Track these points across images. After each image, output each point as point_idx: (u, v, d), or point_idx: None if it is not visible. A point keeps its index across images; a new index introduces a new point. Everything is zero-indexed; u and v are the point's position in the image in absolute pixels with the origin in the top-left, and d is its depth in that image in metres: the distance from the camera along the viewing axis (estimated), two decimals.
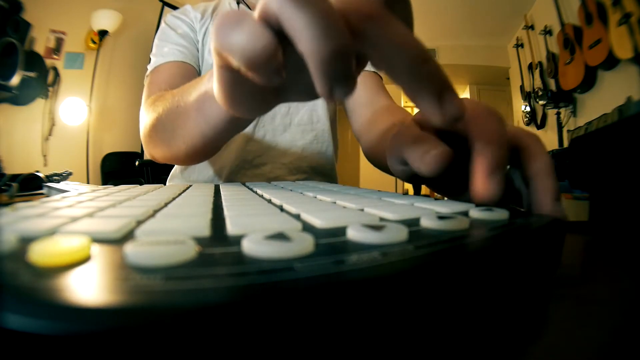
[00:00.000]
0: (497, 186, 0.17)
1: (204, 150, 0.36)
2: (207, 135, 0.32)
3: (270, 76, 0.16)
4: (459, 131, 0.21)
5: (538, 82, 2.51)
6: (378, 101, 0.56)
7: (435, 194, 0.26)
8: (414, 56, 0.16)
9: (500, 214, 0.14)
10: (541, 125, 2.58)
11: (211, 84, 0.26)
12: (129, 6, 2.28)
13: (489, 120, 0.20)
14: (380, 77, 0.61)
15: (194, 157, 0.38)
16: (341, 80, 0.15)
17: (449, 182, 0.23)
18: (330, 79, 0.15)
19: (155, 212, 0.15)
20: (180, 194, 0.22)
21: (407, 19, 0.18)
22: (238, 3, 0.62)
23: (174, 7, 2.12)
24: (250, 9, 0.63)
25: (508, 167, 0.22)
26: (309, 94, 0.22)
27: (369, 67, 0.60)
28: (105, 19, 2.18)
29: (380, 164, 0.51)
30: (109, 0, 2.18)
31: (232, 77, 0.19)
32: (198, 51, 0.58)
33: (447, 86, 0.16)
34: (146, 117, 0.44)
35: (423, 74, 0.16)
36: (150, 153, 0.46)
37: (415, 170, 0.19)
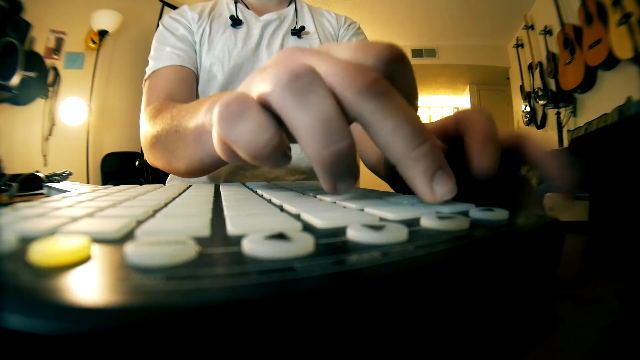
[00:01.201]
0: (492, 156, 0.18)
1: (203, 171, 0.36)
2: (205, 162, 0.32)
3: (277, 162, 0.17)
4: (458, 133, 0.21)
5: (538, 82, 2.51)
6: None
7: None
8: (409, 137, 0.15)
9: (500, 214, 0.14)
10: (541, 125, 2.58)
11: (209, 118, 0.26)
12: (129, 6, 2.28)
13: (478, 116, 0.21)
14: None
15: (193, 175, 0.38)
16: (344, 177, 0.16)
17: None
18: (333, 178, 0.15)
19: (155, 212, 0.15)
20: (180, 194, 0.22)
21: (409, 85, 0.18)
22: (236, 3, 0.62)
23: (174, 7, 2.12)
24: (247, 8, 0.63)
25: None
26: None
27: None
28: (105, 19, 2.18)
29: (379, 174, 0.51)
30: (109, 0, 2.18)
31: (235, 155, 0.19)
32: (196, 53, 0.58)
33: (440, 167, 0.16)
34: (146, 131, 0.44)
35: (417, 156, 0.16)
36: (151, 162, 0.46)
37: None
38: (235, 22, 0.60)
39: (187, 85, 0.56)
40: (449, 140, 0.22)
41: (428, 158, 0.16)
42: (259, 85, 0.16)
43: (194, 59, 0.58)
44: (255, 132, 0.15)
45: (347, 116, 0.16)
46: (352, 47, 0.17)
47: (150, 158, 0.45)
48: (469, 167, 0.19)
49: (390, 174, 0.25)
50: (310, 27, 0.64)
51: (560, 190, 0.21)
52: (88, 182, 2.00)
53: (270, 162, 0.16)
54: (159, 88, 0.52)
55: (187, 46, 0.57)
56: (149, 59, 0.57)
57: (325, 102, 0.14)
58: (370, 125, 0.16)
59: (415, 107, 0.18)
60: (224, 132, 0.16)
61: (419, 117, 0.16)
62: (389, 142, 0.16)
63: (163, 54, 0.56)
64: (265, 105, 0.16)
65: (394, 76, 0.16)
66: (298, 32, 0.62)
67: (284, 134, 0.16)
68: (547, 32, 2.34)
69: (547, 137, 2.48)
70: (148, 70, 0.56)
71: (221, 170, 0.58)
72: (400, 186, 0.25)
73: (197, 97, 0.58)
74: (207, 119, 0.27)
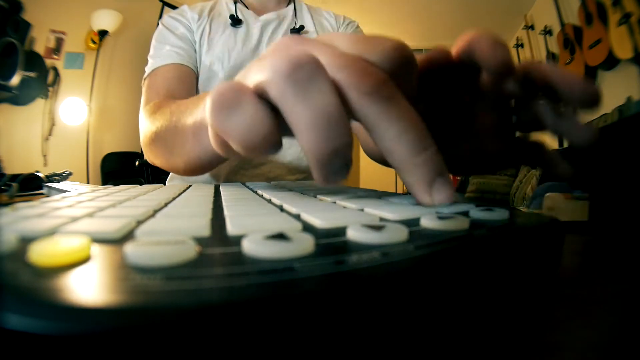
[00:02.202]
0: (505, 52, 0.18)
1: (202, 169, 0.36)
2: (204, 159, 0.32)
3: (268, 153, 0.16)
4: (463, 60, 0.21)
5: None
6: None
7: None
8: (412, 146, 0.15)
9: (500, 214, 0.14)
10: None
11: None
12: (129, 6, 2.28)
13: (493, 43, 0.19)
14: None
15: (192, 172, 0.38)
16: (337, 172, 0.15)
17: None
18: (326, 172, 0.15)
19: (155, 212, 0.15)
20: (180, 194, 0.22)
21: (414, 87, 0.17)
22: (235, 2, 0.62)
23: (174, 7, 2.12)
24: (247, 7, 0.63)
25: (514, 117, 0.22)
26: None
27: None
28: (105, 19, 2.18)
29: (380, 161, 0.51)
30: (109, 0, 2.18)
31: (229, 148, 0.18)
32: (195, 52, 0.58)
33: (440, 174, 0.16)
34: (145, 127, 0.44)
35: (418, 163, 0.15)
36: (150, 160, 0.46)
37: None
38: (235, 21, 0.60)
39: (187, 84, 0.56)
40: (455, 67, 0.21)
41: (429, 165, 0.15)
42: (256, 74, 0.15)
43: (193, 58, 0.58)
44: (250, 125, 0.15)
45: (348, 114, 0.16)
46: (358, 40, 0.16)
47: (149, 155, 0.45)
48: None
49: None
50: (309, 26, 0.64)
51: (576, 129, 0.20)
52: (88, 182, 2.00)
53: (263, 154, 0.16)
54: (159, 86, 0.52)
55: (186, 45, 0.57)
56: (149, 57, 0.57)
57: (327, 96, 0.14)
58: (374, 128, 0.15)
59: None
60: (217, 123, 0.15)
61: (421, 122, 0.16)
62: (391, 147, 0.15)
63: (163, 52, 0.56)
64: (261, 95, 0.15)
65: (400, 77, 0.16)
66: (297, 31, 0.62)
67: (278, 129, 0.15)
68: (547, 32, 2.34)
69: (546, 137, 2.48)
70: (147, 69, 0.56)
71: (221, 170, 0.58)
72: None
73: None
74: (205, 114, 0.26)
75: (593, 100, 0.18)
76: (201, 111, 0.28)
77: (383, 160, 0.48)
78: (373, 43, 0.16)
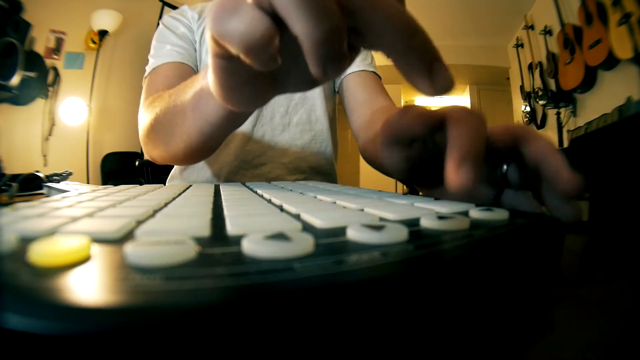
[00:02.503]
0: (468, 175, 0.16)
1: (203, 148, 0.36)
2: (204, 132, 0.32)
3: (267, 61, 0.16)
4: (439, 128, 0.20)
5: (538, 82, 2.51)
6: (377, 102, 0.56)
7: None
8: (404, 29, 0.16)
9: (500, 214, 0.14)
10: (541, 125, 2.58)
11: (206, 80, 0.26)
12: (129, 6, 2.28)
13: (466, 116, 0.19)
14: (380, 78, 0.61)
15: (192, 155, 0.39)
16: (333, 59, 0.16)
17: (428, 175, 0.24)
18: (323, 59, 0.15)
19: (155, 212, 0.15)
20: (180, 194, 0.22)
21: None
22: None
23: (174, 7, 2.12)
24: None
25: (505, 167, 0.22)
26: (304, 84, 0.22)
27: (368, 67, 0.61)
28: (105, 19, 2.18)
29: (375, 162, 0.51)
30: (109, 0, 2.18)
31: (228, 66, 0.19)
32: (196, 51, 0.58)
33: (437, 57, 0.17)
34: (144, 119, 0.44)
35: (413, 46, 0.16)
36: (149, 154, 0.46)
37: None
38: None
39: None
40: (437, 136, 0.21)
41: (424, 47, 0.16)
42: None
43: (193, 57, 0.58)
44: (250, 22, 0.15)
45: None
46: None
47: (148, 148, 0.45)
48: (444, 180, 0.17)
49: (390, 164, 0.25)
50: None
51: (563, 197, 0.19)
52: (88, 182, 2.00)
53: (261, 58, 0.16)
54: (159, 84, 0.52)
55: (187, 44, 0.58)
56: (149, 57, 0.57)
57: None
58: (365, 19, 0.16)
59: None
60: (218, 29, 0.16)
61: (410, 15, 0.16)
62: (385, 35, 0.16)
63: (163, 51, 0.56)
64: (259, 5, 0.16)
65: None
66: None
67: (277, 35, 0.16)
68: (547, 32, 2.34)
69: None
70: (148, 68, 0.56)
71: (221, 170, 0.58)
72: (395, 165, 0.24)
73: None
74: (204, 82, 0.27)
75: (573, 194, 0.18)
76: (199, 82, 0.29)
77: (379, 166, 0.48)
78: None
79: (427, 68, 0.16)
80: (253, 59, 0.16)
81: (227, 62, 0.19)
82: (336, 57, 0.16)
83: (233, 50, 0.17)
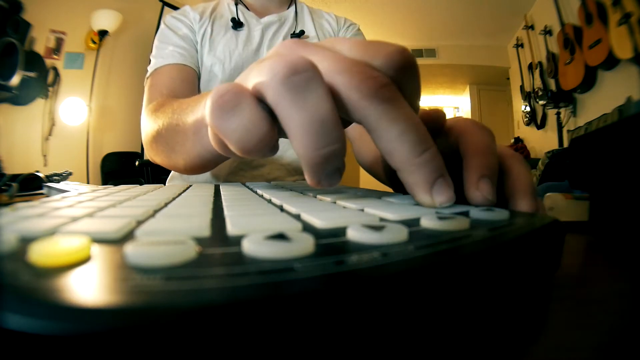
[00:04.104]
0: (489, 189, 0.17)
1: (203, 167, 0.36)
2: (204, 157, 0.32)
3: (265, 155, 0.16)
4: (452, 144, 0.21)
5: (538, 82, 2.51)
6: None
7: None
8: (413, 145, 0.15)
9: (500, 214, 0.14)
10: (541, 125, 2.58)
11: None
12: (129, 6, 2.28)
13: (478, 133, 0.20)
14: None
15: (193, 171, 0.38)
16: (330, 176, 0.15)
17: None
18: (319, 176, 0.15)
19: (155, 212, 0.15)
20: (180, 194, 0.22)
21: (415, 91, 0.17)
22: (236, 4, 0.62)
23: (174, 7, 2.13)
24: (248, 9, 0.63)
25: None
26: None
27: None
28: (105, 19, 2.18)
29: (370, 170, 0.51)
30: (109, 0, 2.18)
31: (227, 148, 0.19)
32: (197, 52, 0.59)
33: (440, 175, 0.16)
34: (147, 126, 0.44)
35: (419, 164, 0.16)
36: (151, 158, 0.46)
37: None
38: (236, 24, 0.60)
39: (189, 84, 0.56)
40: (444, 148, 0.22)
41: (430, 166, 0.16)
42: (255, 77, 0.16)
43: (195, 58, 0.58)
44: (248, 128, 0.15)
45: (348, 116, 0.16)
46: (360, 45, 0.17)
47: (150, 154, 0.45)
48: (465, 195, 0.18)
49: (391, 175, 0.25)
50: (310, 29, 0.64)
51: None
52: (88, 182, 2.00)
53: (260, 156, 0.16)
54: (161, 86, 0.52)
55: (189, 45, 0.58)
56: (151, 57, 0.57)
57: (322, 101, 0.14)
58: (375, 130, 0.16)
59: (417, 110, 0.18)
60: (216, 125, 0.16)
61: (422, 124, 0.16)
62: (392, 148, 0.16)
63: (165, 52, 0.56)
64: (260, 98, 0.15)
65: (402, 82, 0.16)
66: (298, 36, 0.62)
67: (276, 132, 0.16)
68: (547, 32, 2.34)
69: (547, 138, 2.49)
70: (150, 69, 0.56)
71: (221, 170, 0.58)
72: (399, 187, 0.25)
73: None
74: (205, 113, 0.27)
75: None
76: (202, 109, 0.28)
77: (374, 171, 0.48)
78: (375, 48, 0.16)
79: (429, 185, 0.16)
80: (251, 155, 0.16)
81: (225, 146, 0.18)
82: (332, 174, 0.15)
83: (230, 146, 0.16)
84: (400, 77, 0.16)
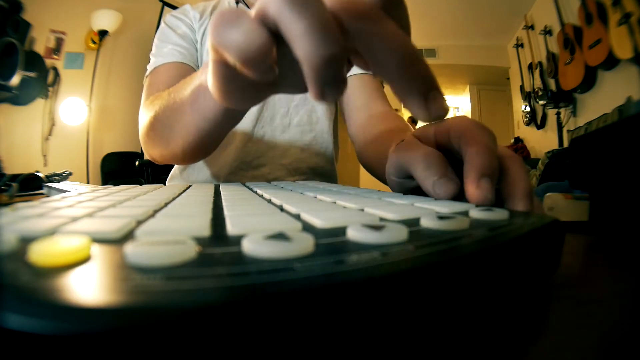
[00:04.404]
0: (488, 188, 0.18)
1: (201, 146, 0.36)
2: (203, 129, 0.32)
3: (263, 73, 0.17)
4: (453, 144, 0.21)
5: (538, 82, 2.51)
6: (375, 106, 0.56)
7: None
8: (404, 57, 0.17)
9: (500, 214, 0.14)
10: (541, 125, 2.58)
11: (205, 76, 0.27)
12: (129, 6, 2.28)
13: (480, 133, 0.20)
14: (381, 81, 0.61)
15: (191, 154, 0.39)
16: (332, 84, 0.16)
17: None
18: (322, 83, 0.16)
19: (155, 212, 0.15)
20: (180, 194, 0.22)
21: (403, 21, 0.18)
22: (237, 2, 0.62)
23: (174, 7, 2.12)
24: (249, 7, 0.63)
25: None
26: (300, 88, 0.23)
27: (369, 71, 0.61)
28: (105, 19, 2.18)
29: (369, 167, 0.51)
30: (109, 0, 2.18)
31: (226, 72, 0.20)
32: (197, 51, 0.59)
33: (434, 87, 0.17)
34: (144, 118, 0.44)
35: (411, 74, 0.17)
36: (149, 154, 0.46)
37: (428, 192, 0.20)
38: None
39: None
40: (442, 149, 0.22)
41: (423, 76, 0.17)
42: (257, 4, 0.17)
43: (195, 57, 0.58)
44: (248, 36, 0.16)
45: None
46: None
47: (148, 146, 0.45)
48: (465, 194, 0.19)
49: (392, 180, 0.25)
50: None
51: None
52: (88, 182, 2.00)
53: (258, 70, 0.17)
54: (159, 84, 0.53)
55: (188, 44, 0.58)
56: (151, 56, 0.57)
57: (320, 8, 0.15)
58: (368, 49, 0.17)
59: (409, 34, 0.19)
60: (217, 38, 0.17)
61: (413, 44, 0.17)
62: (385, 62, 0.17)
63: (164, 51, 0.56)
64: (261, 21, 0.16)
65: (390, 12, 0.17)
66: None
67: (274, 49, 0.16)
68: (547, 32, 2.34)
69: (547, 138, 2.48)
70: (149, 67, 0.56)
71: (221, 170, 0.58)
72: (399, 188, 0.25)
73: None
74: (202, 78, 0.28)
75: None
76: (198, 78, 0.29)
77: (377, 175, 0.48)
78: None
79: (423, 96, 0.17)
80: (249, 69, 0.17)
81: (226, 69, 0.19)
82: (334, 82, 0.16)
83: (230, 59, 0.17)
84: (387, 7, 0.17)
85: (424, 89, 0.17)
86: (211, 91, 0.23)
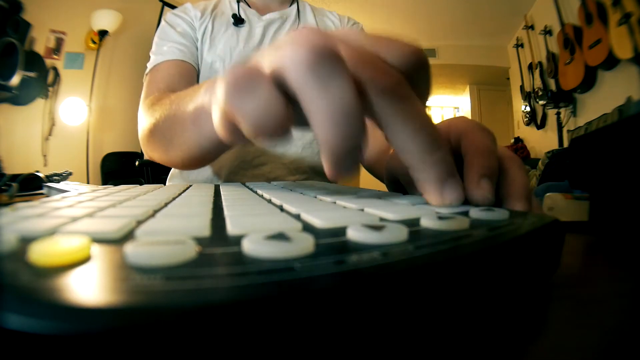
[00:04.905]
0: (488, 189, 0.18)
1: (201, 160, 0.35)
2: (203, 147, 0.31)
3: (278, 140, 0.16)
4: (453, 145, 0.21)
5: (538, 82, 2.51)
6: None
7: None
8: (425, 143, 0.16)
9: (500, 214, 0.14)
10: (541, 125, 2.58)
11: (208, 97, 0.26)
12: (129, 6, 2.28)
13: (479, 134, 0.20)
14: None
15: (190, 165, 0.38)
16: (349, 167, 0.15)
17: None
18: (339, 167, 0.15)
19: (155, 212, 0.15)
20: (180, 194, 0.22)
21: (426, 85, 0.18)
22: (238, 1, 0.62)
23: (174, 7, 2.12)
24: (249, 7, 0.63)
25: None
26: (306, 128, 0.22)
27: None
28: (105, 19, 2.18)
29: (369, 167, 0.51)
30: (109, 0, 2.18)
31: (237, 130, 0.18)
32: (197, 49, 0.59)
33: (451, 174, 0.16)
34: (144, 120, 0.44)
35: (431, 162, 0.16)
36: (148, 155, 0.46)
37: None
38: (238, 20, 0.60)
39: (188, 80, 0.56)
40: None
41: (442, 165, 0.16)
42: (274, 61, 0.15)
43: (195, 55, 0.58)
44: (265, 109, 0.15)
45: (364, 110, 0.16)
46: (375, 39, 0.17)
47: (147, 149, 0.45)
48: (466, 194, 0.18)
49: (391, 177, 0.25)
50: None
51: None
52: (88, 182, 2.00)
53: (273, 139, 0.16)
54: (159, 81, 0.52)
55: (188, 42, 0.58)
56: (151, 54, 0.57)
57: (348, 91, 0.14)
58: (389, 125, 0.16)
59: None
60: (232, 105, 0.15)
61: (434, 124, 0.16)
62: (406, 146, 0.16)
63: (165, 49, 0.56)
64: (276, 81, 0.15)
65: (415, 80, 0.16)
66: None
67: (291, 116, 0.15)
68: (547, 32, 2.34)
69: (547, 138, 2.48)
70: (149, 65, 0.56)
71: (221, 170, 0.58)
72: (398, 189, 0.25)
73: None
74: (205, 99, 0.27)
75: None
76: (201, 97, 0.28)
77: (375, 170, 0.48)
78: (391, 43, 0.16)
79: (440, 184, 0.16)
80: (264, 138, 0.16)
81: (236, 128, 0.18)
82: (352, 166, 0.15)
83: (243, 128, 0.16)
84: (414, 75, 0.16)
85: (441, 178, 0.16)
86: (216, 130, 0.21)
